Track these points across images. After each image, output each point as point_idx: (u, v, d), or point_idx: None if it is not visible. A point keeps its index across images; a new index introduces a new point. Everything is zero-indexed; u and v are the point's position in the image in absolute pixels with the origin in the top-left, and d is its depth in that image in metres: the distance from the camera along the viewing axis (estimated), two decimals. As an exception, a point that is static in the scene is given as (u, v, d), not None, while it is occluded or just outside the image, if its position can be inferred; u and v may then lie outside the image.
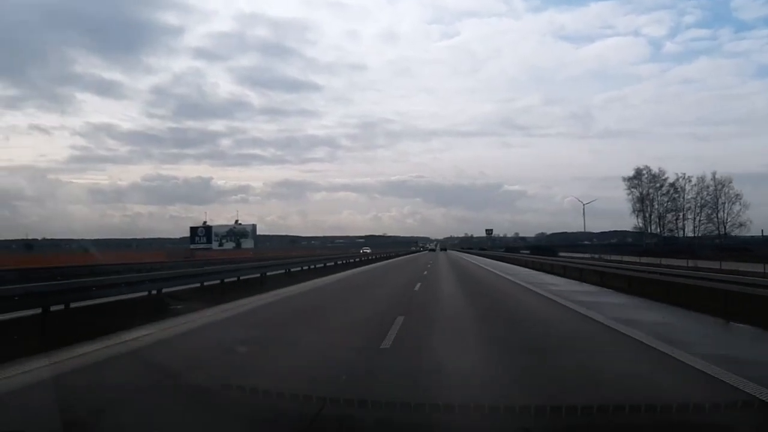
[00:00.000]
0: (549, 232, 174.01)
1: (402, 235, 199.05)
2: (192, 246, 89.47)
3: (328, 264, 31.05)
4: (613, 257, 42.15)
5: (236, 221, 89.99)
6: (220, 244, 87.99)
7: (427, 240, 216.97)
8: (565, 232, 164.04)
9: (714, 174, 68.60)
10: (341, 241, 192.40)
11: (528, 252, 55.10)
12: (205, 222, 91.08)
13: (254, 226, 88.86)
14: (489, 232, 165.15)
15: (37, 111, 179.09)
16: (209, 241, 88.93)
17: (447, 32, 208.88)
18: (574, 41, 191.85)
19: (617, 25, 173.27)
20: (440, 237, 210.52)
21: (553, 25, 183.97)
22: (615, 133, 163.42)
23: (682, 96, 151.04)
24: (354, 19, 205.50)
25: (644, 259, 35.29)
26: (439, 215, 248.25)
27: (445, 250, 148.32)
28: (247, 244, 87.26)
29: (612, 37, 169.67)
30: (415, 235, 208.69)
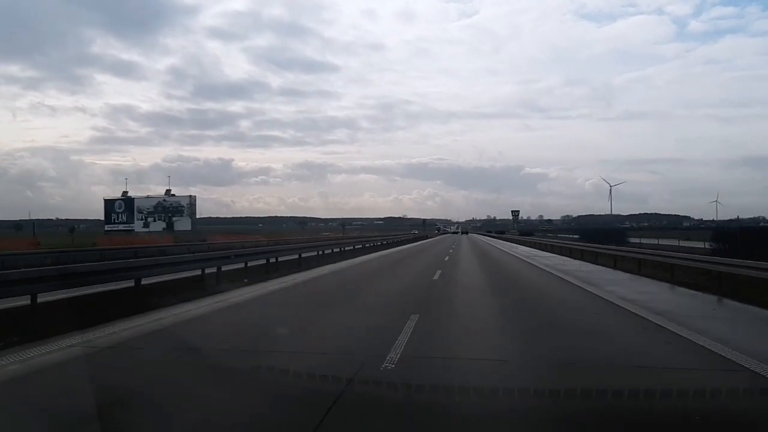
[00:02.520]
0: (574, 214, 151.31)
1: (423, 217, 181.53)
2: (107, 227, 63.10)
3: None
4: None
5: (167, 191, 62.90)
6: (145, 224, 61.30)
7: (448, 222, 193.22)
8: (592, 215, 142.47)
9: None
10: (360, 223, 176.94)
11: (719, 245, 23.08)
12: (125, 192, 64.22)
13: (192, 199, 61.56)
14: (515, 213, 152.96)
15: (58, 93, 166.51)
16: (130, 219, 62.36)
17: (465, 11, 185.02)
18: (595, 20, 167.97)
19: (640, 2, 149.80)
20: (462, 219, 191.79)
21: (575, 3, 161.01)
22: (638, 114, 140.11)
23: (706, 77, 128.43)
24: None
25: None
26: (460, 198, 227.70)
27: (466, 233, 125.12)
28: (183, 224, 60.37)
29: (635, 15, 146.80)
30: (436, 218, 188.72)
